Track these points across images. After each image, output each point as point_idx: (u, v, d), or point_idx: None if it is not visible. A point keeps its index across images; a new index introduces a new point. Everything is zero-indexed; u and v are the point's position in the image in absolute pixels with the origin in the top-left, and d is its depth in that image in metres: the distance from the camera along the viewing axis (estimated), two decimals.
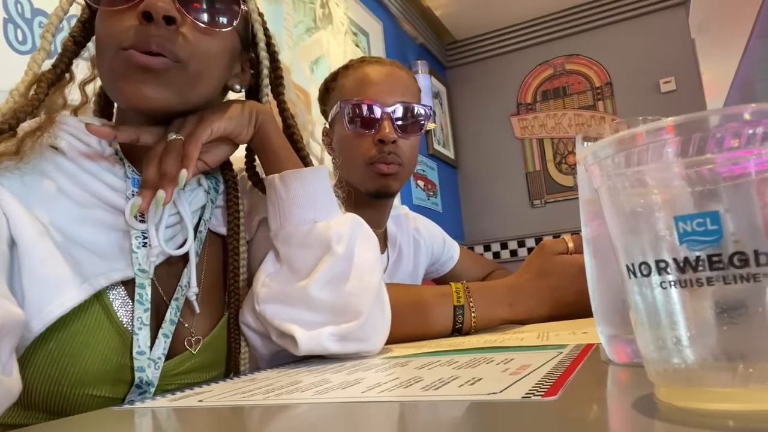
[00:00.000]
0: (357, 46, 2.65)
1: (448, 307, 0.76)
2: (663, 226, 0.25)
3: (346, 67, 1.10)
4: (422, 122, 1.06)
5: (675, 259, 0.24)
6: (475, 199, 3.71)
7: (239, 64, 0.64)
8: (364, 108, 1.01)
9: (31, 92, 0.55)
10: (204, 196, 0.61)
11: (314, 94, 2.17)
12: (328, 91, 1.11)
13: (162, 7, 0.51)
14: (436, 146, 3.38)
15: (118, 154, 0.58)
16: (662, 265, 0.24)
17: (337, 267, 0.56)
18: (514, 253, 3.58)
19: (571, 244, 0.79)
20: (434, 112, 3.30)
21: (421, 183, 3.11)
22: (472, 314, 0.76)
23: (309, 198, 0.57)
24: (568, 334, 0.62)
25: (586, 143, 0.43)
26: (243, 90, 0.65)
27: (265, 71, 0.64)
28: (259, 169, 0.67)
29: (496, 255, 3.62)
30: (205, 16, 0.55)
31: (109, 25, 0.54)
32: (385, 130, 1.00)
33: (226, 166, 0.66)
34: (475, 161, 3.73)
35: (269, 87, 0.65)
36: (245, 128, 0.60)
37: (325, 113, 1.14)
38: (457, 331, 0.76)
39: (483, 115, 3.72)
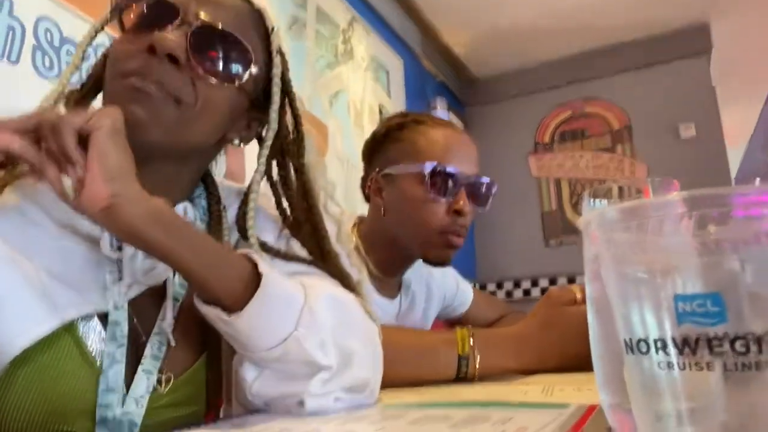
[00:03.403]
0: (377, 81, 2.69)
1: (452, 355, 0.74)
2: (663, 303, 0.24)
3: (417, 122, 1.06)
4: (490, 198, 1.06)
5: (674, 339, 0.23)
6: (490, 235, 3.69)
7: (245, 120, 0.63)
8: (449, 175, 0.98)
9: (58, 109, 0.56)
10: None
11: (332, 127, 2.21)
12: (388, 140, 1.06)
13: (167, 45, 0.52)
14: None
15: None
16: (660, 344, 0.23)
17: (332, 373, 0.50)
18: (527, 292, 3.53)
19: (579, 294, 0.77)
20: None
21: None
22: (477, 363, 0.74)
23: (265, 327, 0.48)
24: (574, 389, 0.60)
25: (593, 201, 0.42)
26: (243, 145, 0.64)
27: (270, 134, 0.61)
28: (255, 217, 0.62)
29: (509, 294, 3.58)
30: (211, 66, 0.55)
31: (118, 49, 0.54)
32: (461, 202, 0.99)
33: (212, 195, 0.65)
34: (491, 198, 3.71)
35: (268, 150, 0.62)
36: None
37: (372, 158, 1.09)
38: (460, 379, 0.75)
39: (500, 153, 3.72)
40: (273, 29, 0.63)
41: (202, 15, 0.55)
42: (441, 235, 1.00)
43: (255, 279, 0.49)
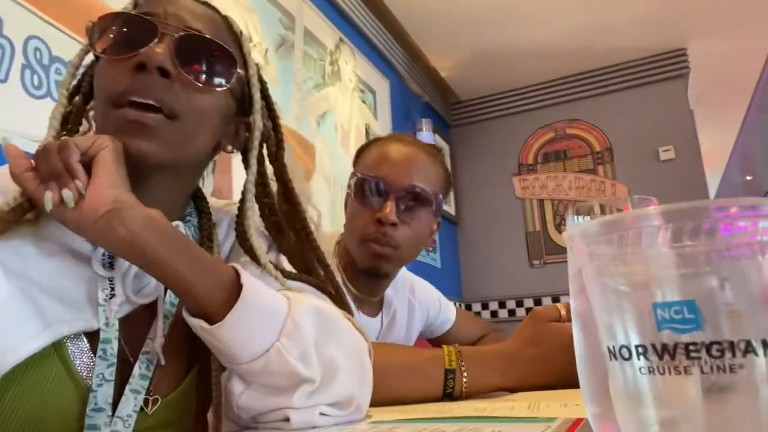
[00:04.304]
0: (363, 102, 2.72)
1: (439, 370, 0.75)
2: (643, 311, 0.25)
3: (377, 139, 1.12)
4: (429, 211, 1.05)
5: (654, 345, 0.24)
6: (475, 256, 3.71)
7: (234, 126, 0.64)
8: (371, 184, 1.01)
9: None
10: None
11: (319, 147, 2.23)
12: (358, 157, 1.13)
13: (157, 59, 0.52)
14: None
15: None
16: (641, 350, 0.24)
17: (316, 386, 0.50)
18: (512, 312, 3.55)
19: (563, 312, 0.79)
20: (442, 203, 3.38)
21: None
22: (464, 379, 0.75)
23: (247, 337, 0.48)
24: (560, 405, 0.61)
25: (577, 218, 0.43)
26: (234, 151, 0.65)
27: (257, 133, 0.63)
28: (250, 222, 0.63)
29: (494, 314, 3.59)
30: (200, 74, 0.56)
31: (104, 74, 0.55)
32: (385, 210, 0.99)
33: (203, 212, 0.65)
34: (476, 218, 3.75)
35: (257, 150, 0.63)
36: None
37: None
38: (448, 395, 0.75)
39: (484, 174, 3.77)
40: (241, 33, 0.64)
41: (181, 25, 0.56)
42: (363, 243, 1.02)
43: (238, 289, 0.49)
